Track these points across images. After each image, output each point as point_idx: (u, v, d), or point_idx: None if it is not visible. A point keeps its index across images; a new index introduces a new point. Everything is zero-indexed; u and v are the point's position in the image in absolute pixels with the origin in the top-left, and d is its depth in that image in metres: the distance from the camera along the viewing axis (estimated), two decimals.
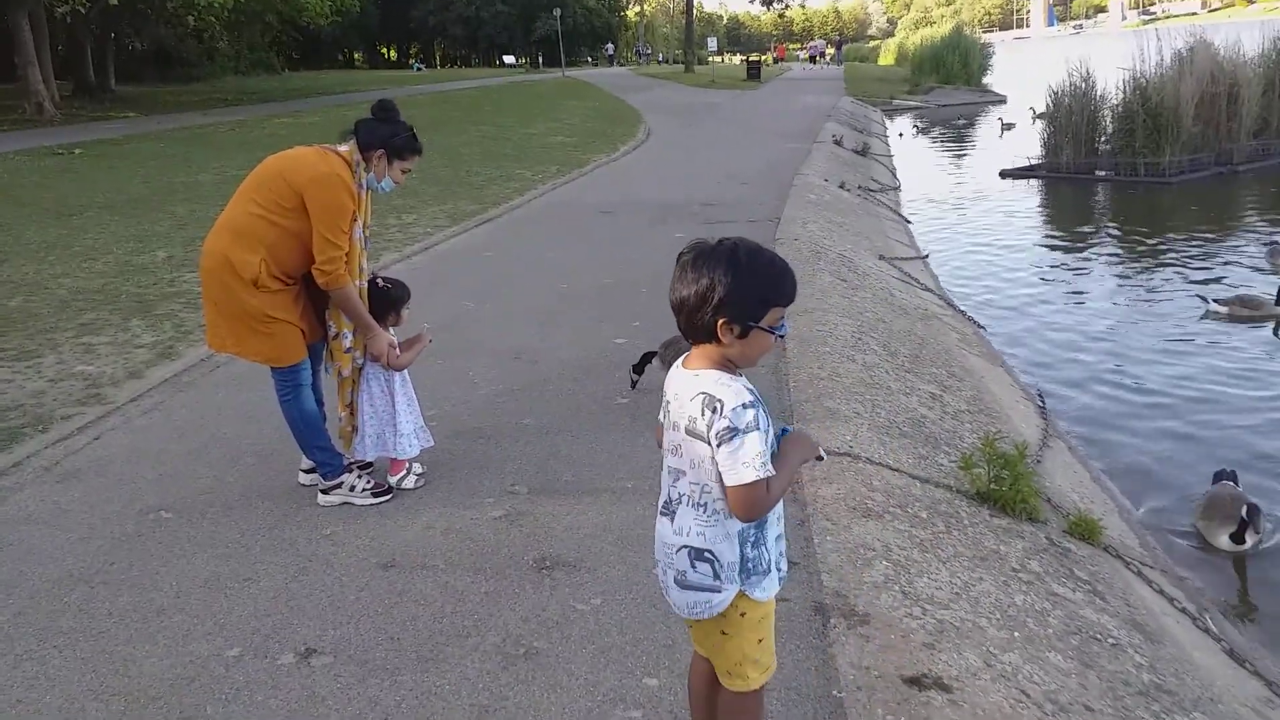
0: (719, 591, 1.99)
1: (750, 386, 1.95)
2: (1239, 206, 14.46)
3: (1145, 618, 3.67)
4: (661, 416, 2.09)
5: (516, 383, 5.47)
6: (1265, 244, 10.52)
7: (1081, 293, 10.05)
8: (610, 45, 73.89)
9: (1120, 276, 10.68)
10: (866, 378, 5.57)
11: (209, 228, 3.83)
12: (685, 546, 1.99)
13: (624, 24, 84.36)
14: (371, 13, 56.71)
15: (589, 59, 74.78)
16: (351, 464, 4.05)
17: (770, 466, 1.89)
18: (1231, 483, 4.96)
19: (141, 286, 8.14)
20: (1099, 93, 17.21)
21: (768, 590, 2.04)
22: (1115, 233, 13.18)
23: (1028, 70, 39.91)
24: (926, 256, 11.25)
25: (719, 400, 1.87)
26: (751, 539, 2.00)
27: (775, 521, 2.08)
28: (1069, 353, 8.04)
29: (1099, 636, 3.31)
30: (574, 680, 2.76)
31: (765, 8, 64.11)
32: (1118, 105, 16.81)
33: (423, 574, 3.38)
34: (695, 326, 1.91)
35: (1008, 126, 25.52)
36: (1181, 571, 4.54)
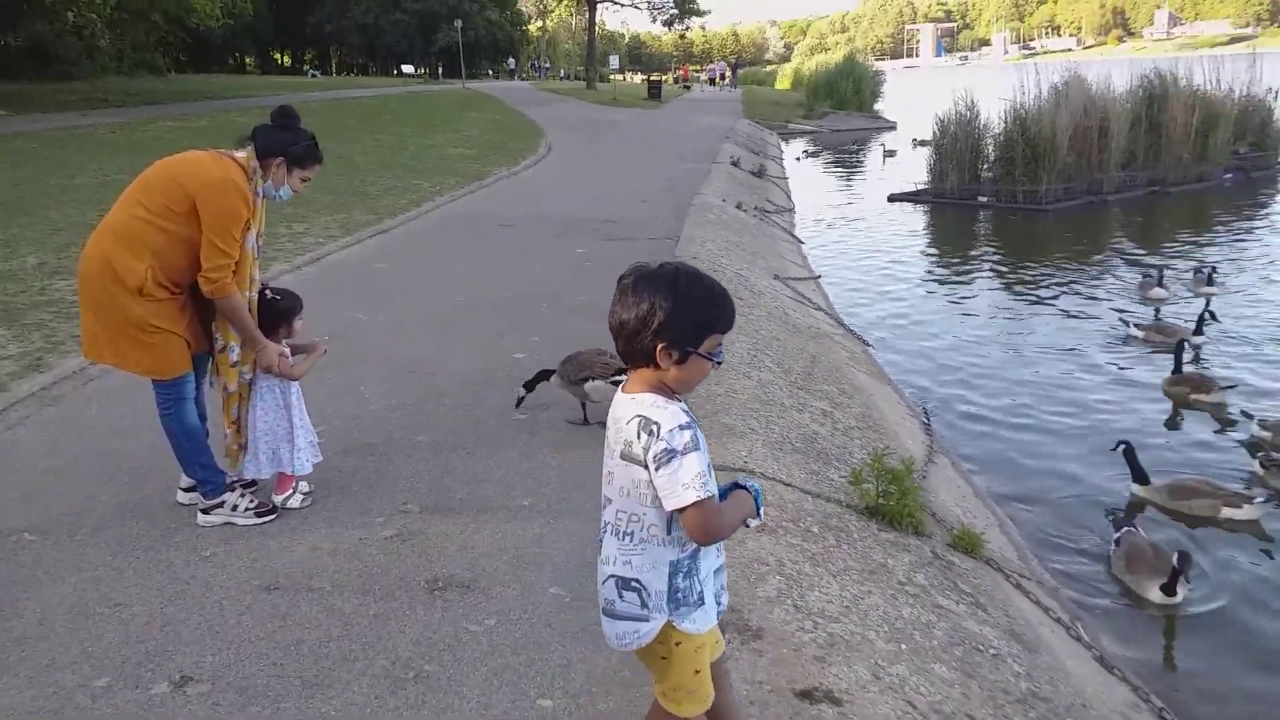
0: (646, 621, 1.98)
1: (686, 409, 1.94)
2: (1109, 234, 15.30)
3: (1023, 628, 3.81)
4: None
5: (410, 397, 5.36)
6: (1142, 275, 11.07)
7: (965, 314, 10.45)
8: (512, 59, 73.61)
9: (1001, 299, 11.14)
10: (761, 394, 5.66)
11: (86, 233, 3.65)
12: (612, 575, 1.99)
13: (526, 38, 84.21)
14: (265, 16, 55.16)
15: (489, 72, 74.33)
16: (234, 482, 3.89)
17: (711, 486, 1.88)
18: (1133, 528, 4.94)
19: (9, 294, 7.68)
20: (982, 122, 18.02)
21: (698, 623, 2.01)
22: (997, 257, 13.77)
23: (917, 98, 41.49)
24: (819, 277, 11.52)
25: (655, 423, 1.87)
26: (684, 569, 1.98)
27: (714, 554, 2.07)
28: (952, 371, 8.34)
29: (981, 647, 3.43)
30: (465, 703, 2.70)
31: (666, 28, 64.92)
32: (999, 134, 17.62)
33: (308, 596, 3.27)
34: (634, 350, 1.92)
35: (889, 154, 26.47)
36: (1103, 616, 4.50)
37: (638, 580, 1.96)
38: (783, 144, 31.26)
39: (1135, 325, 8.98)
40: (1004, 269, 12.79)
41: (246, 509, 3.82)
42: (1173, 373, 7.47)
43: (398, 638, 3.02)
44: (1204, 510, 5.44)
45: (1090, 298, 10.79)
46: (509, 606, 3.19)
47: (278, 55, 78.94)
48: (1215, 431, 6.87)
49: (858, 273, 12.34)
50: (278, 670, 2.87)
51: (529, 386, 5.07)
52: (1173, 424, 7.05)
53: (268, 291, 3.84)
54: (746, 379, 5.92)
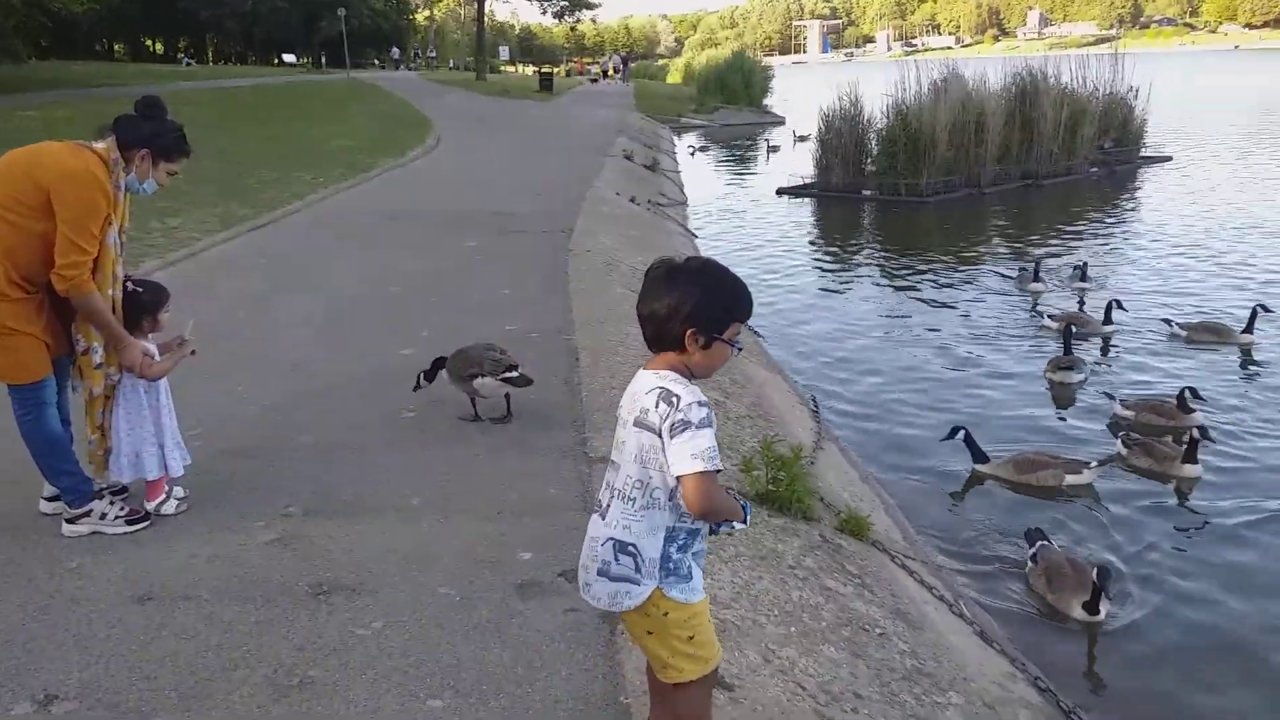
0: (638, 584, 2.10)
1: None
2: (987, 225, 15.94)
3: (908, 606, 3.93)
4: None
5: (294, 397, 5.19)
6: (1019, 269, 11.50)
7: (853, 304, 10.73)
8: (396, 49, 71.90)
9: (887, 290, 11.47)
10: None
11: None
12: (611, 539, 2.10)
13: (413, 28, 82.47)
14: (135, 1, 52.42)
15: (375, 61, 72.51)
16: (102, 489, 3.70)
17: (719, 463, 2.00)
18: (1047, 542, 4.86)
19: None
20: (866, 117, 18.51)
21: (686, 594, 2.13)
22: (882, 249, 14.19)
23: (805, 93, 42.34)
24: None
25: (675, 395, 2.00)
26: (679, 541, 2.12)
27: (700, 538, 2.19)
28: (841, 359, 8.56)
29: (867, 627, 3.52)
30: (352, 708, 2.63)
31: (557, 20, 64.58)
32: (882, 129, 18.13)
33: (184, 606, 3.13)
34: (663, 336, 2.07)
35: (773, 149, 27.01)
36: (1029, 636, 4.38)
37: (634, 545, 2.08)
38: (675, 138, 31.50)
39: (1048, 315, 9.31)
40: (889, 261, 13.18)
41: (116, 517, 3.63)
42: (1064, 353, 7.89)
43: (280, 645, 2.92)
44: (1049, 480, 5.73)
45: (972, 289, 11.19)
46: (398, 608, 3.11)
47: (150, 42, 75.31)
48: (1069, 411, 7.25)
49: (749, 265, 12.53)
50: (151, 684, 2.73)
51: (429, 376, 4.97)
52: (1046, 404, 7.42)
53: (129, 283, 3.65)
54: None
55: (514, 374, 4.69)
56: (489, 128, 25.69)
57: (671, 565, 2.11)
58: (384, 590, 3.23)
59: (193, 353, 3.79)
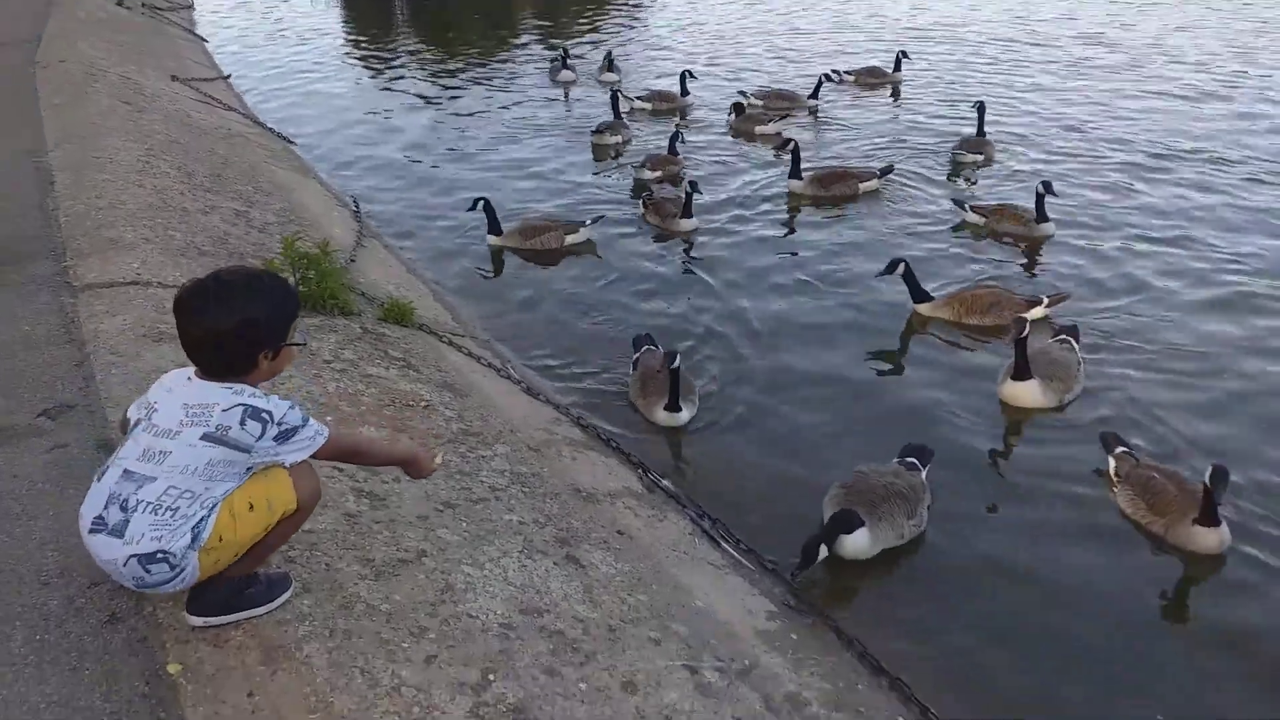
0: (183, 569, 1.98)
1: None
2: (516, 14, 15.84)
3: (455, 378, 3.97)
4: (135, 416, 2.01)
5: None
6: (551, 60, 11.47)
7: (391, 101, 10.25)
8: None
9: (427, 85, 11.03)
10: (157, 201, 5.02)
11: None
12: (134, 556, 1.92)
13: None
14: None
15: None
16: None
17: (326, 430, 2.06)
18: (653, 347, 4.69)
19: None
20: None
21: (211, 523, 1.98)
22: (417, 42, 13.63)
23: None
24: (229, 77, 10.45)
25: (266, 411, 1.96)
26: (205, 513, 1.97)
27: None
28: (381, 157, 8.22)
29: (411, 403, 3.49)
30: None
31: None
32: None
33: None
34: (231, 362, 1.98)
35: None
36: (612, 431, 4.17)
37: (162, 552, 1.93)
38: None
39: (638, 99, 9.51)
40: (426, 55, 12.73)
41: None
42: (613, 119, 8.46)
43: None
44: (553, 243, 6.13)
45: (509, 80, 11.12)
46: None
47: None
48: (607, 178, 7.71)
49: (274, 69, 11.46)
50: None
51: None
52: (585, 170, 7.84)
53: None
54: (138, 187, 5.21)
55: None
56: None
57: (196, 530, 1.96)
58: None
59: None
